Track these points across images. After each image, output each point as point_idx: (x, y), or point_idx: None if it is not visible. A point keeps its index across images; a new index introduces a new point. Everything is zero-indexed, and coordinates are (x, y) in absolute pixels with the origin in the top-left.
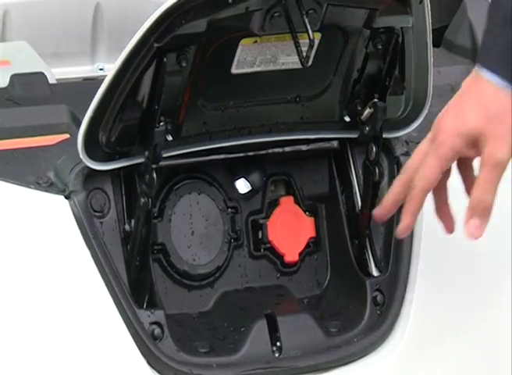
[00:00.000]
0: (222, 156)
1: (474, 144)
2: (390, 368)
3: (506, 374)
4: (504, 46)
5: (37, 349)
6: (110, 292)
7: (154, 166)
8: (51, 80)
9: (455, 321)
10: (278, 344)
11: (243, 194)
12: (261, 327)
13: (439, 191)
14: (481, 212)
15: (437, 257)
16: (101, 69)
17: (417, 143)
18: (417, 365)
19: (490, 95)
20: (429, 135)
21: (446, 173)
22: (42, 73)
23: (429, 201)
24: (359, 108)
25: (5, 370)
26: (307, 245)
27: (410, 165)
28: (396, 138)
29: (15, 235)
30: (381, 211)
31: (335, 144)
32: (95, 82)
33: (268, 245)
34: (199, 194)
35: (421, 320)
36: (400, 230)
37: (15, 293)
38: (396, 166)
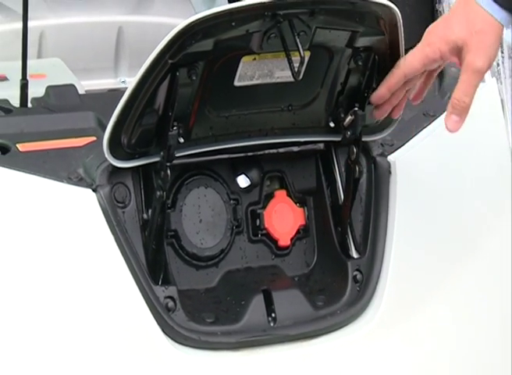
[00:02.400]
0: (226, 156)
1: (457, 52)
2: (368, 336)
3: (471, 341)
4: None
5: (71, 316)
6: (130, 271)
7: (168, 164)
8: (81, 91)
9: (424, 296)
10: (273, 315)
11: (244, 188)
12: (258, 301)
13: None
14: (460, 110)
15: (408, 241)
16: (123, 82)
17: (391, 145)
18: (390, 333)
19: (477, 14)
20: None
21: (429, 77)
22: (73, 85)
23: (401, 194)
24: (342, 115)
25: (41, 339)
26: (298, 232)
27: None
28: (373, 141)
29: (50, 223)
30: (377, 96)
31: (321, 146)
32: (118, 93)
33: (265, 231)
34: (206, 188)
35: (395, 295)
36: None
37: (51, 269)
38: (373, 164)
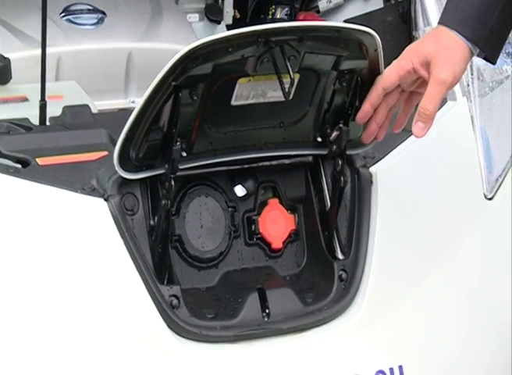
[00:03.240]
0: (224, 168)
1: (427, 66)
2: (352, 329)
3: (444, 331)
4: (461, 12)
5: (85, 313)
6: (139, 272)
7: (172, 176)
8: (94, 111)
9: (403, 293)
10: (267, 311)
11: (240, 197)
12: (253, 298)
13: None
14: (425, 117)
15: (388, 244)
16: (132, 102)
17: (373, 158)
18: (372, 327)
19: (445, 36)
20: None
21: (409, 101)
22: (87, 105)
23: (382, 201)
24: (328, 131)
25: (59, 333)
26: (289, 236)
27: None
28: (356, 154)
29: (66, 229)
30: (361, 113)
31: (310, 158)
32: (128, 112)
33: (259, 236)
34: (206, 197)
35: (376, 293)
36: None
37: (66, 269)
38: (356, 175)
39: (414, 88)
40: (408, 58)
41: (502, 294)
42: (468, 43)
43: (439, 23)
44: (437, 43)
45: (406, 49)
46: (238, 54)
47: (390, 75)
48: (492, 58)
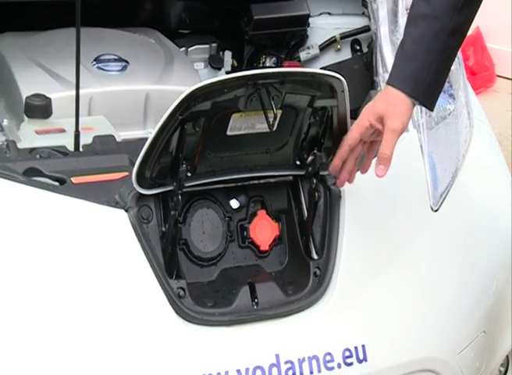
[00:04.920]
0: (221, 185)
1: (380, 120)
2: (325, 315)
3: (406, 313)
4: (403, 74)
5: (108, 303)
6: (152, 269)
7: (179, 192)
8: (118, 140)
9: (367, 285)
10: (256, 300)
11: (235, 208)
12: (245, 290)
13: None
14: (384, 161)
15: (355, 246)
16: (149, 133)
17: None
18: (341, 313)
19: (392, 94)
20: None
21: (371, 148)
22: (113, 136)
23: (349, 212)
24: (305, 156)
25: (87, 320)
26: (274, 240)
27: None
28: (328, 174)
29: (93, 235)
30: (333, 167)
31: (291, 178)
32: (146, 141)
33: (250, 240)
34: (207, 208)
35: (344, 286)
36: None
37: (92, 268)
38: (328, 191)
39: (373, 138)
40: (365, 118)
41: (447, 283)
42: (410, 98)
43: (387, 83)
44: (386, 101)
45: (363, 110)
46: (232, 94)
47: (353, 134)
48: (429, 107)
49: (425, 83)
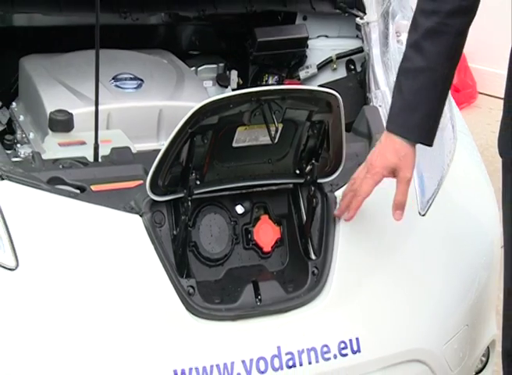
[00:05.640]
0: (228, 192)
1: (393, 172)
2: (322, 310)
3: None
4: (408, 123)
5: (124, 300)
6: (164, 268)
7: (189, 198)
8: (134, 151)
9: (361, 284)
10: (259, 297)
11: (240, 213)
12: (249, 288)
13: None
14: (401, 206)
15: (349, 247)
16: (162, 145)
17: (337, 185)
18: (336, 309)
19: (399, 145)
20: (362, 168)
21: None
22: (129, 147)
23: (343, 217)
24: (304, 166)
25: (106, 312)
26: (276, 242)
27: (351, 185)
28: (325, 182)
29: (111, 237)
30: (339, 212)
31: (291, 186)
32: (159, 152)
33: (254, 242)
34: (215, 213)
35: (339, 284)
36: (348, 218)
37: (110, 267)
38: (325, 198)
39: None
40: (379, 173)
41: (433, 281)
42: (416, 144)
43: (391, 131)
44: (397, 154)
45: (373, 165)
46: (237, 109)
47: (368, 189)
48: (430, 144)
49: (428, 128)
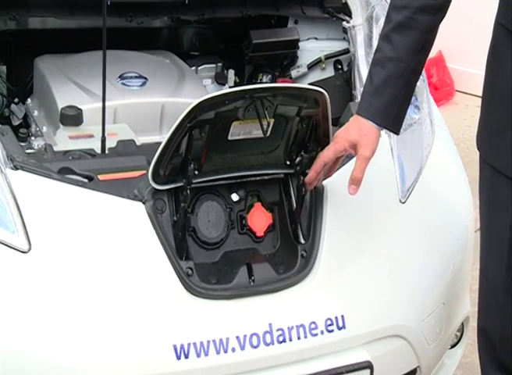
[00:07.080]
0: (224, 182)
1: (354, 147)
2: (309, 290)
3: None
4: (374, 107)
5: (128, 280)
6: (165, 251)
7: (188, 187)
8: (138, 144)
9: (345, 266)
10: (252, 278)
11: (235, 201)
12: (243, 269)
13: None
14: (357, 182)
15: (335, 232)
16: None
17: (324, 175)
18: (323, 289)
19: (364, 125)
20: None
21: (335, 163)
22: (133, 140)
23: (331, 204)
24: (294, 157)
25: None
26: (268, 227)
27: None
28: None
29: (116, 223)
30: (309, 178)
31: (282, 175)
32: (160, 144)
33: (248, 227)
34: (212, 201)
35: (326, 266)
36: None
37: (115, 250)
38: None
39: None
40: (341, 143)
41: (413, 262)
42: (380, 127)
43: (359, 113)
44: (360, 131)
45: (338, 136)
46: (232, 105)
47: (329, 154)
48: (396, 132)
49: (393, 114)
